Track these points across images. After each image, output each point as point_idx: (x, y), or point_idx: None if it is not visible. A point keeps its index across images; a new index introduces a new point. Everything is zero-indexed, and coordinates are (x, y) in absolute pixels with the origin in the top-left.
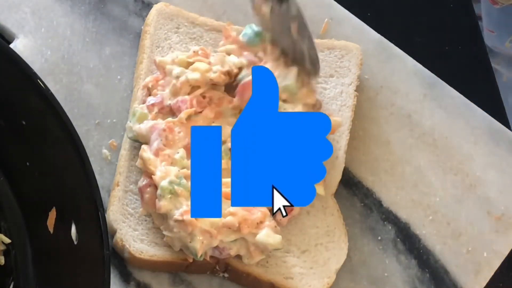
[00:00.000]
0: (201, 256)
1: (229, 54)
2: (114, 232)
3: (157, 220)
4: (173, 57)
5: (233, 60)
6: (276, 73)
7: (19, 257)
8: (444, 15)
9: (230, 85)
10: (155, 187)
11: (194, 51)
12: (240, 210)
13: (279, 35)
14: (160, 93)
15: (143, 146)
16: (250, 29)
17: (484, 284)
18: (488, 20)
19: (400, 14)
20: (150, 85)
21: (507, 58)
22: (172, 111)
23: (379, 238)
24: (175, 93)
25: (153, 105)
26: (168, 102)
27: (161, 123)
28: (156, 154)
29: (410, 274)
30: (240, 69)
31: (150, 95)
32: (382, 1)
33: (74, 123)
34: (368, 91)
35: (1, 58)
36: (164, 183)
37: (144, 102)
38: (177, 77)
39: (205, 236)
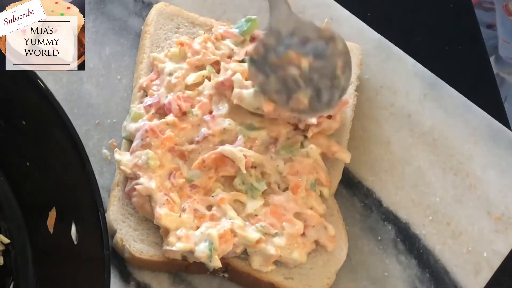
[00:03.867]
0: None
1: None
2: (114, 232)
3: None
4: (166, 52)
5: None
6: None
7: (19, 257)
8: (444, 15)
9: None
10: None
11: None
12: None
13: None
14: (156, 93)
15: (116, 149)
16: (244, 18)
17: (484, 284)
18: (503, 30)
19: (400, 14)
20: (144, 85)
21: None
22: (169, 111)
23: (379, 238)
24: (169, 89)
25: (150, 105)
26: (164, 101)
27: (146, 124)
28: (132, 153)
29: (410, 274)
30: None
31: (146, 95)
32: (382, 1)
33: (74, 123)
34: (368, 91)
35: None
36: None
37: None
38: (170, 74)
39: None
